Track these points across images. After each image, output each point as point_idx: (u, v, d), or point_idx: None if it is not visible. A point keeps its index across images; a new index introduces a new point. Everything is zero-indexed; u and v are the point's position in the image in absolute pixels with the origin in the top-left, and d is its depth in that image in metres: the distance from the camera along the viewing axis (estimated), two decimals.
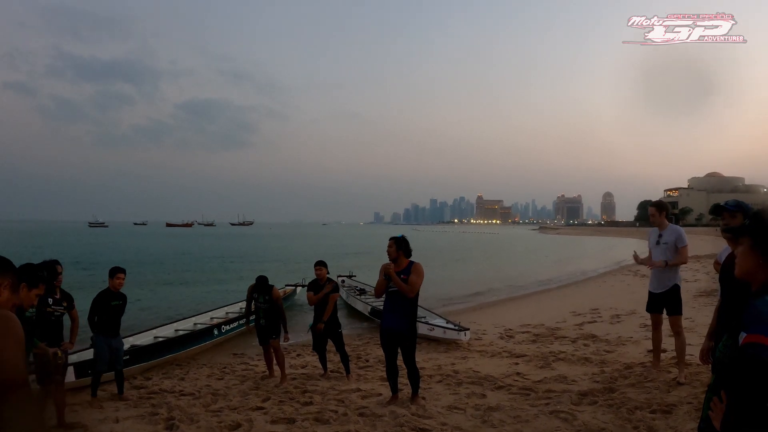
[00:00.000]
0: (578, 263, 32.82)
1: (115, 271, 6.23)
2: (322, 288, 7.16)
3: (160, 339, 8.93)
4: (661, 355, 6.83)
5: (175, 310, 14.88)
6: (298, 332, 10.01)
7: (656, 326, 6.56)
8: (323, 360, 7.41)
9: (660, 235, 6.30)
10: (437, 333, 9.37)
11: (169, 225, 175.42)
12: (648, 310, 6.54)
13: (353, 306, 13.91)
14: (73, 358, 6.86)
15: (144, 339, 9.04)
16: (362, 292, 14.66)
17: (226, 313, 11.72)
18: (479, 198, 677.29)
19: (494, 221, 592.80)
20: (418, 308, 6.85)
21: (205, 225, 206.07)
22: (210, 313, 11.73)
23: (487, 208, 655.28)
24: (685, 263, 6.35)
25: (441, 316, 10.67)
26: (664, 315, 6.35)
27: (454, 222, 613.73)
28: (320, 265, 7.23)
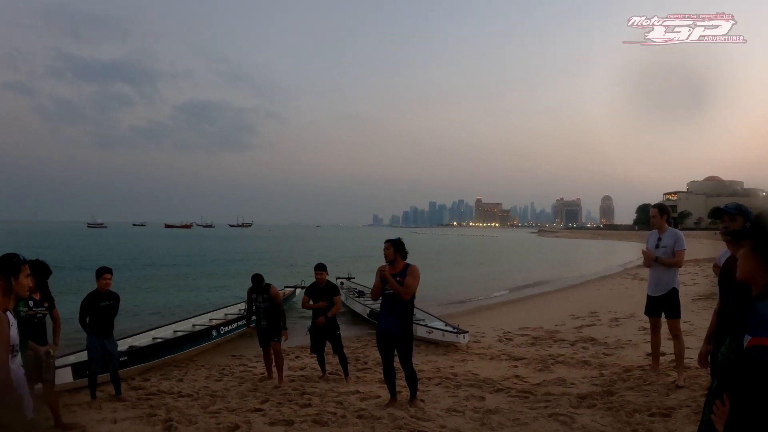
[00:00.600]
0: (577, 266, 32.86)
1: (102, 272, 6.18)
2: (322, 291, 7.16)
3: (159, 340, 8.92)
4: (660, 358, 6.82)
5: (174, 312, 14.87)
6: (297, 334, 9.99)
7: (655, 329, 6.56)
8: (322, 362, 7.40)
9: (659, 239, 6.30)
10: (436, 336, 9.37)
11: (168, 226, 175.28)
12: (647, 313, 6.55)
13: (352, 308, 13.90)
14: (71, 359, 6.85)
15: (143, 340, 9.02)
16: (361, 294, 14.67)
17: (225, 314, 11.72)
18: (478, 201, 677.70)
19: (493, 224, 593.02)
20: (417, 311, 6.90)
21: (204, 226, 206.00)
22: (209, 314, 11.73)
23: (486, 210, 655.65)
24: (679, 266, 6.31)
25: (440, 319, 10.66)
26: (663, 318, 6.36)
27: (452, 225, 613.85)
28: (321, 269, 7.18)
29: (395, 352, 5.70)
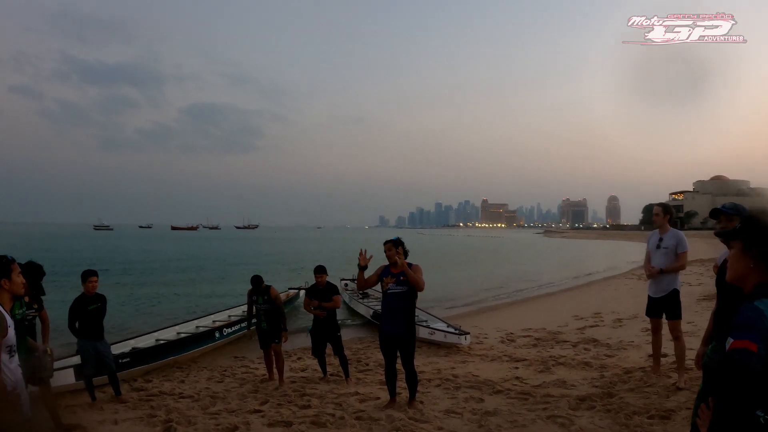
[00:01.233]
0: (582, 267, 32.71)
1: (87, 275, 6.16)
2: (321, 293, 7.18)
3: (162, 341, 8.96)
4: (662, 359, 6.79)
5: (178, 313, 14.92)
6: (299, 336, 10.02)
7: (656, 331, 6.53)
8: (323, 364, 7.42)
9: (660, 239, 6.26)
10: (438, 337, 9.36)
11: (174, 228, 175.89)
12: (647, 314, 6.52)
13: (355, 309, 13.90)
14: (73, 360, 6.89)
15: (146, 341, 9.07)
16: (365, 295, 14.66)
17: (228, 316, 11.76)
18: (484, 202, 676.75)
19: (499, 225, 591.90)
20: (419, 312, 6.87)
21: (210, 228, 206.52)
22: (212, 315, 11.78)
23: (492, 211, 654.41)
24: (683, 269, 6.28)
25: (442, 320, 10.66)
26: (664, 319, 6.32)
27: (459, 226, 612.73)
28: (320, 272, 7.21)
29: (398, 354, 5.71)
